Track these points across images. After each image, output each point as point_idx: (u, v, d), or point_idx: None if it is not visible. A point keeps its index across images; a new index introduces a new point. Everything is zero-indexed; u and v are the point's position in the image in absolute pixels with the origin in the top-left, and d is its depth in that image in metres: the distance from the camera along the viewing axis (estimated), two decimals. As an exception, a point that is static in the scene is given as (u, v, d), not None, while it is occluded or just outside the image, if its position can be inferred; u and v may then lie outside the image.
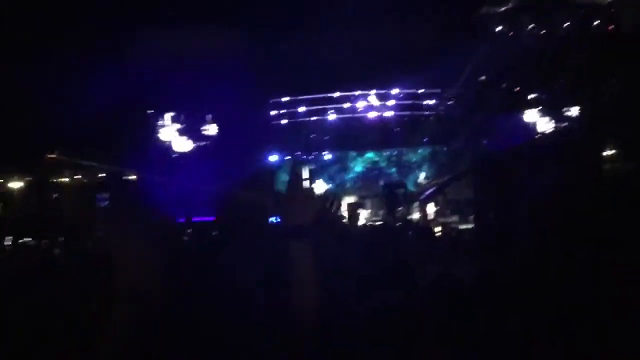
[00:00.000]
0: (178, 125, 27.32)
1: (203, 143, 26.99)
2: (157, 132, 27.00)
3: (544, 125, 25.62)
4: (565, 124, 24.87)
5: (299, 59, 23.48)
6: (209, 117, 27.21)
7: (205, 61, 23.66)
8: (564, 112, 25.10)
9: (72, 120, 21.73)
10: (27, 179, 25.48)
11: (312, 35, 23.48)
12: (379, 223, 25.19)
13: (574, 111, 24.82)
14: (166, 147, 26.95)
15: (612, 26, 24.22)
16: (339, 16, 23.07)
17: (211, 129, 27.19)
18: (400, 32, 23.96)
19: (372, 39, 24.05)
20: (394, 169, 29.65)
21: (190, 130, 27.25)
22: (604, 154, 21.42)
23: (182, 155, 26.86)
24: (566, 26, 24.34)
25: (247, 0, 21.95)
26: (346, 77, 26.07)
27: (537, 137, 24.81)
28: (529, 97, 26.01)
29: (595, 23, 24.34)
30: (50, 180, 25.83)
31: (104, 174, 26.13)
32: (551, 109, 25.57)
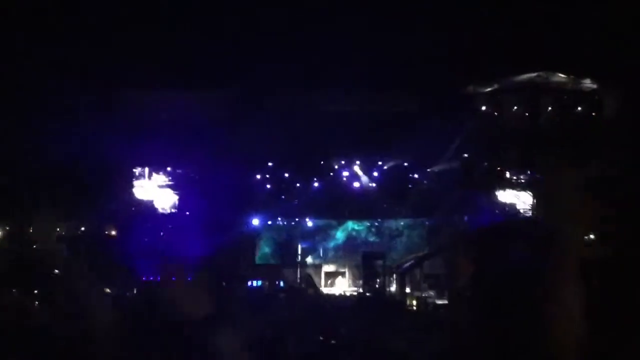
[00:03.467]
0: (160, 183, 27.25)
1: (185, 202, 26.87)
2: (134, 188, 26.86)
3: (523, 205, 25.92)
4: (543, 205, 25.13)
5: (288, 125, 23.72)
6: (192, 176, 27.18)
7: (193, 123, 23.85)
8: (542, 193, 25.39)
9: (54, 175, 21.83)
10: (7, 229, 25.26)
11: (302, 103, 23.80)
12: (355, 293, 25.20)
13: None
14: (146, 206, 26.84)
15: (594, 113, 24.76)
16: (329, 85, 23.44)
17: (195, 191, 27.11)
18: (389, 104, 24.36)
19: (361, 110, 24.41)
20: (374, 240, 29.60)
21: (173, 190, 27.20)
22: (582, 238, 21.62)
23: (163, 214, 26.74)
24: (550, 110, 24.84)
25: (237, 67, 22.24)
26: (332, 146, 26.29)
27: (515, 216, 25.03)
28: (510, 176, 26.34)
29: (579, 109, 24.86)
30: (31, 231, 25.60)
31: (83, 228, 25.98)
32: (530, 190, 25.88)
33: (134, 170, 27.11)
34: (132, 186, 26.92)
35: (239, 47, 21.36)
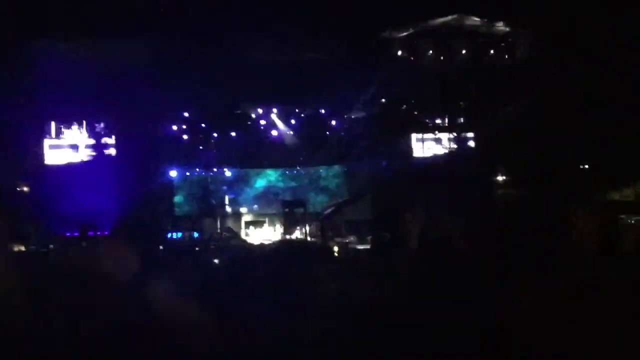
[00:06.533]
0: (74, 136, 26.50)
1: (99, 155, 26.25)
2: (45, 142, 26.06)
3: (440, 148, 26.36)
4: (460, 148, 25.62)
5: (203, 75, 23.32)
6: (105, 128, 26.56)
7: (105, 74, 23.12)
8: (459, 136, 25.86)
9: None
10: None
11: (217, 52, 23.38)
12: (276, 241, 25.27)
13: (468, 136, 25.62)
14: (59, 160, 26.13)
15: (507, 56, 25.22)
16: (244, 34, 23.09)
17: (109, 142, 26.51)
18: (305, 51, 24.16)
19: (277, 58, 24.15)
20: (294, 188, 29.60)
21: (88, 144, 26.53)
22: (496, 179, 22.23)
23: (77, 167, 26.02)
24: (464, 54, 25.13)
25: (153, 14, 21.62)
26: (249, 95, 26.05)
27: (432, 160, 25.47)
28: (427, 120, 26.71)
29: (491, 52, 25.25)
30: None
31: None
32: (447, 133, 26.32)
33: (45, 124, 26.27)
34: (42, 141, 26.12)
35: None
